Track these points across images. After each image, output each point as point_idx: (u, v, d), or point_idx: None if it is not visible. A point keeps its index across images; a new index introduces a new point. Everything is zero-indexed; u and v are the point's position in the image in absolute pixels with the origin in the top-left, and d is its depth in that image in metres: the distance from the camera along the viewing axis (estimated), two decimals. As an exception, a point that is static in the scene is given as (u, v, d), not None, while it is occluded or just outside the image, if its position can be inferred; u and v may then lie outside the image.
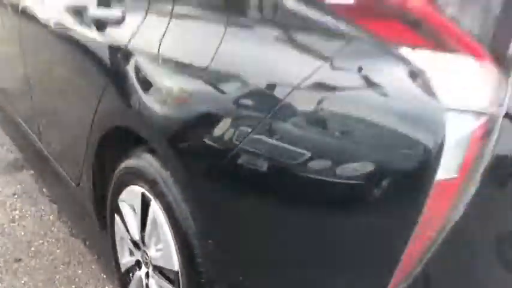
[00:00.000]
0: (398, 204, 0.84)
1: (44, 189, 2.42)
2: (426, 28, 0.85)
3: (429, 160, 0.79)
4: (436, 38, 0.84)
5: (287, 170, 0.94)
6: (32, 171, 2.58)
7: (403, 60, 0.83)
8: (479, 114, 0.79)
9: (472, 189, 0.80)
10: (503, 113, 0.78)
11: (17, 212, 2.23)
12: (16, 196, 2.35)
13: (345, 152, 0.86)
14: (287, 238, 1.01)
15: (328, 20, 0.95)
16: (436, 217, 0.80)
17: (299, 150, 0.91)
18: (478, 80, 0.80)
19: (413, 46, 0.82)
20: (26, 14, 2.08)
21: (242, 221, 1.12)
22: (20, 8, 2.12)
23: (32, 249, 1.98)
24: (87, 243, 2.03)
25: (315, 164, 0.89)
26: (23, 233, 2.08)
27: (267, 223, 1.05)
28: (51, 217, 2.20)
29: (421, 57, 0.82)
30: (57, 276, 1.83)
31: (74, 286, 1.79)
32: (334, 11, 0.96)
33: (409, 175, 0.82)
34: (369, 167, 0.83)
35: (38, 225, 2.14)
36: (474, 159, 0.79)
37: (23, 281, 1.79)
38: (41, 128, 2.22)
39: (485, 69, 0.80)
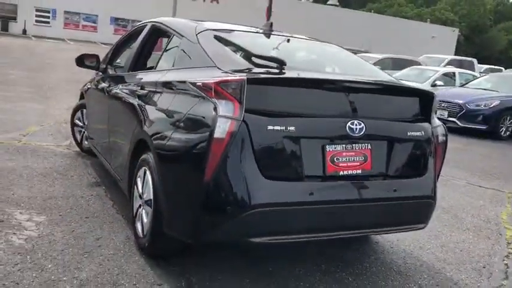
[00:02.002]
0: (206, 143, 2.46)
1: (108, 194, 4.21)
2: (220, 93, 2.53)
3: (212, 130, 2.43)
4: (221, 95, 2.51)
5: (170, 152, 2.67)
6: (104, 187, 4.41)
7: (213, 102, 2.51)
8: (231, 117, 2.43)
9: (232, 141, 2.41)
10: (241, 118, 2.43)
11: (92, 201, 4.01)
12: (92, 196, 4.15)
13: (189, 133, 2.58)
14: (178, 174, 2.67)
15: (195, 89, 2.68)
16: (217, 150, 2.42)
17: (171, 142, 2.64)
18: (232, 106, 2.46)
19: (217, 98, 2.51)
20: (111, 95, 4.05)
21: (168, 176, 2.78)
22: (110, 93, 4.11)
23: (96, 214, 3.71)
24: (122, 212, 3.75)
25: (178, 145, 2.62)
26: (92, 209, 3.83)
27: (176, 174, 2.71)
28: (108, 205, 3.96)
29: (218, 101, 2.50)
30: (104, 225, 3.52)
31: (112, 223, 3.46)
32: (198, 88, 2.68)
33: (208, 135, 2.45)
34: (199, 136, 2.51)
35: (101, 207, 3.89)
36: (232, 132, 2.42)
37: (87, 225, 3.50)
38: (111, 155, 4.08)
39: (234, 103, 2.46)
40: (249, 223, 2.49)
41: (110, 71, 4.72)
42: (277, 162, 2.54)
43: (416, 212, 3.02)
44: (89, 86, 5.26)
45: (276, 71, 2.72)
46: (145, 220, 3.05)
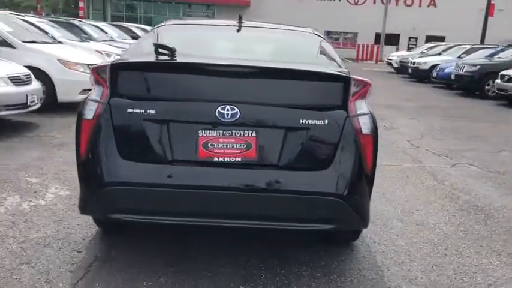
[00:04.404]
0: (80, 125, 2.68)
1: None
2: (95, 79, 2.74)
3: (82, 113, 2.66)
4: (96, 80, 2.72)
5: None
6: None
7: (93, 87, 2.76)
8: (98, 101, 2.63)
9: (97, 123, 2.62)
10: (107, 101, 2.62)
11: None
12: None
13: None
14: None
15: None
16: (86, 131, 2.64)
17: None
18: (102, 90, 2.65)
19: (95, 83, 2.74)
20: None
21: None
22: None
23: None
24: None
25: None
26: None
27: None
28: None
29: (95, 86, 2.73)
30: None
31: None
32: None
33: (80, 117, 2.70)
34: (79, 119, 2.77)
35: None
36: (98, 114, 2.62)
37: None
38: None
39: (104, 87, 2.65)
40: (107, 200, 2.67)
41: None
42: (136, 144, 2.64)
43: (315, 209, 2.65)
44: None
45: (161, 57, 2.79)
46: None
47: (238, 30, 3.45)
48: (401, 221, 4.01)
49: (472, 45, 20.40)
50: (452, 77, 15.58)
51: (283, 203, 2.63)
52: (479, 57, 16.78)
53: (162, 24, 3.58)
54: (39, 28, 10.38)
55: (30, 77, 6.91)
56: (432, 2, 38.18)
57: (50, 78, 7.97)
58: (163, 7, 37.43)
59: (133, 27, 18.73)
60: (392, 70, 24.00)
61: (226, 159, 2.63)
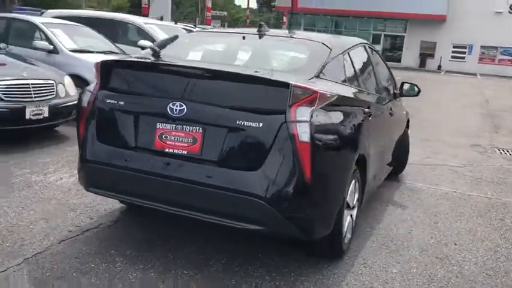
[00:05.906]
0: (79, 110, 3.24)
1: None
2: (95, 73, 3.23)
3: (80, 100, 3.21)
4: (96, 75, 3.21)
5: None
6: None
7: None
8: (91, 92, 3.15)
9: (89, 110, 3.12)
10: (96, 92, 3.11)
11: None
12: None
13: None
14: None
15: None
16: (82, 115, 3.17)
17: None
18: (96, 83, 3.15)
19: (95, 77, 3.25)
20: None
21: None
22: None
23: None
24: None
25: None
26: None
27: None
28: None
29: (96, 79, 3.24)
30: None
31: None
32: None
33: (78, 104, 3.24)
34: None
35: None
36: (89, 102, 3.13)
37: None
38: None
39: (97, 80, 3.14)
40: (85, 174, 3.17)
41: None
42: (109, 130, 3.06)
43: (241, 208, 2.70)
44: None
45: (141, 57, 3.18)
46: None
47: (244, 38, 3.66)
48: (422, 251, 3.63)
49: None
50: None
51: (215, 198, 2.76)
52: None
53: (195, 31, 4.00)
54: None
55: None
56: None
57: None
58: (359, 22, 37.55)
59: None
60: None
61: (175, 150, 2.88)
